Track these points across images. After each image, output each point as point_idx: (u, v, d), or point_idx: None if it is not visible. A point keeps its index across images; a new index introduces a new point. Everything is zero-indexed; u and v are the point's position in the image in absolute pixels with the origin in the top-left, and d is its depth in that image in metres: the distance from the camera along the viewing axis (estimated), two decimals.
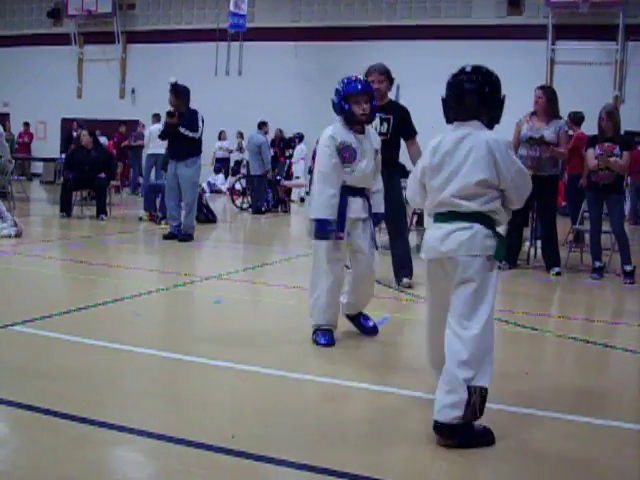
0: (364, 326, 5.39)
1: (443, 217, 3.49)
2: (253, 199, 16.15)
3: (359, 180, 5.05)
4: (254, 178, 15.90)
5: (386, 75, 7.26)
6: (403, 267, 7.45)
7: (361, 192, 5.12)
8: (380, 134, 6.72)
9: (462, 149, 3.45)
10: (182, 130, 10.22)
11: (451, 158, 3.47)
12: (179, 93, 10.48)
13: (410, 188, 3.81)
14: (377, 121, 7.05)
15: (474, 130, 3.48)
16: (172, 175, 10.46)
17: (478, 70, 3.54)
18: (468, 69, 3.55)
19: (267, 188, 16.33)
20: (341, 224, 4.95)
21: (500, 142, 3.46)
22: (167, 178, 10.75)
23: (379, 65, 7.32)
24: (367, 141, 5.11)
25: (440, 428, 3.30)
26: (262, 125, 16.58)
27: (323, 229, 4.89)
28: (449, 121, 3.64)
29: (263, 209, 15.91)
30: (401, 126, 7.29)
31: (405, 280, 7.40)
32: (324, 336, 5.05)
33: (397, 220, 7.45)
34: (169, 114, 10.43)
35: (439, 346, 3.47)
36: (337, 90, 5.03)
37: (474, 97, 3.49)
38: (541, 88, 8.95)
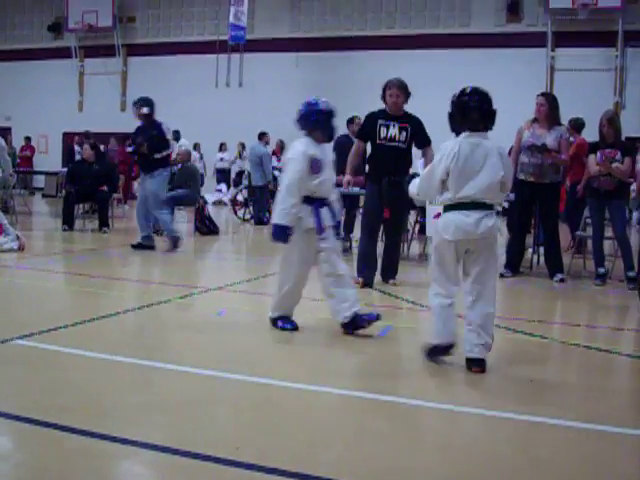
0: (367, 320, 5.53)
1: (467, 206, 4.57)
2: (255, 210, 16.13)
3: (325, 190, 5.62)
4: (256, 189, 15.88)
5: (404, 90, 7.76)
6: (393, 268, 8.09)
7: (325, 202, 5.65)
8: (399, 142, 7.67)
9: (478, 154, 4.57)
10: (157, 156, 10.30)
11: (472, 160, 4.56)
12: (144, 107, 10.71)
13: (427, 184, 4.82)
14: (396, 130, 7.72)
15: (483, 140, 4.63)
16: (142, 187, 10.58)
17: (477, 91, 4.68)
18: (469, 90, 4.69)
19: (269, 199, 16.31)
20: (320, 226, 5.52)
21: (503, 148, 4.76)
22: (139, 190, 10.94)
23: (397, 80, 7.84)
24: (326, 153, 5.69)
25: (476, 361, 4.62)
26: (262, 136, 16.59)
27: (281, 234, 5.46)
28: (455, 132, 4.72)
29: (265, 220, 15.90)
30: (417, 135, 7.82)
31: (391, 281, 8.01)
32: (288, 323, 5.66)
33: (400, 224, 8.30)
34: (139, 145, 10.51)
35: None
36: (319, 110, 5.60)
37: (477, 112, 4.61)
38: (543, 95, 8.94)
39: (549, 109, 8.62)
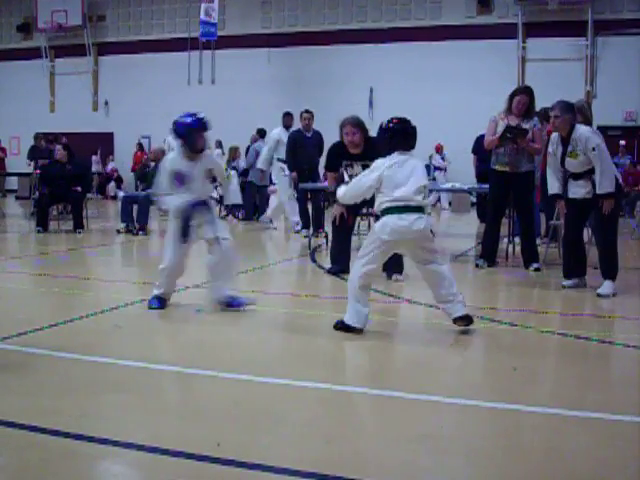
0: (232, 304, 6.20)
1: (401, 210, 5.32)
2: (248, 207, 16.06)
3: (196, 194, 6.12)
4: (255, 187, 15.71)
5: (360, 126, 7.77)
6: (396, 264, 7.60)
7: (198, 201, 6.17)
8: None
9: (407, 166, 5.44)
10: None
11: (403, 170, 5.41)
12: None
13: (354, 190, 5.59)
14: (359, 168, 7.51)
15: (410, 157, 5.53)
16: None
17: (407, 120, 5.63)
18: (402, 119, 5.61)
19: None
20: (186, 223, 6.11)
21: (424, 164, 5.73)
22: None
23: (352, 117, 7.85)
24: (199, 165, 6.17)
25: (464, 318, 5.45)
26: (264, 133, 16.56)
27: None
28: (390, 151, 5.49)
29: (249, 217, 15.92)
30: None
31: (395, 276, 7.75)
32: (159, 302, 6.28)
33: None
34: None
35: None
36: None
37: (411, 137, 5.57)
38: (527, 94, 8.79)
39: (530, 104, 8.67)
